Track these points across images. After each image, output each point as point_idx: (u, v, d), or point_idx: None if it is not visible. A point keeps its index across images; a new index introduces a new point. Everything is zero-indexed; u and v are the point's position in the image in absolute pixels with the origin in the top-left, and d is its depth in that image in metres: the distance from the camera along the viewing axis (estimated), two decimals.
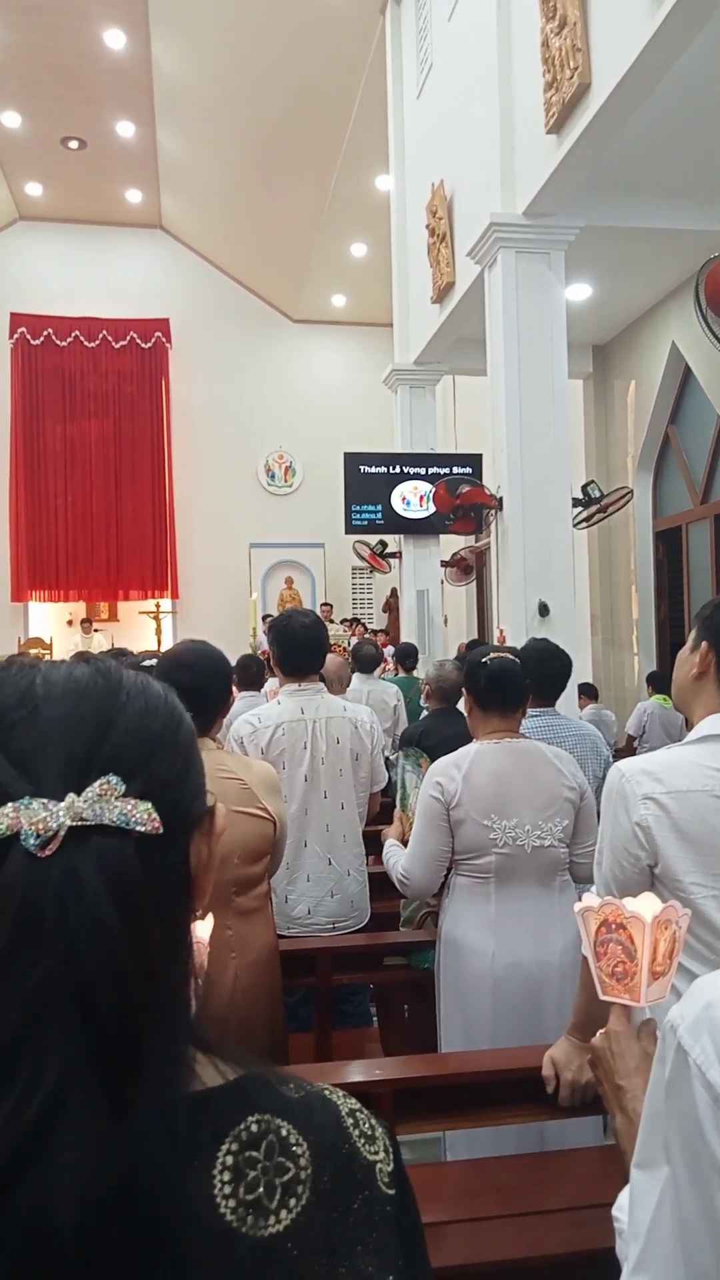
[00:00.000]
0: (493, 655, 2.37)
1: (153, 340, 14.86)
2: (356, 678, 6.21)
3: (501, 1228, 1.63)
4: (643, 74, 4.49)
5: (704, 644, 1.58)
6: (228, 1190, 0.54)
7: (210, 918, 1.00)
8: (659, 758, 1.58)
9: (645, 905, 1.13)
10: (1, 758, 0.54)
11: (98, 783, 0.53)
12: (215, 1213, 0.53)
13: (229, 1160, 0.55)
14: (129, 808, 0.53)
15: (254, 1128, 0.56)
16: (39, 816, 0.51)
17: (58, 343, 14.61)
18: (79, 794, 0.53)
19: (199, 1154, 0.54)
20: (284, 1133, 0.57)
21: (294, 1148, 0.56)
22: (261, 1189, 0.54)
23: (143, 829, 0.53)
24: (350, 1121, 0.60)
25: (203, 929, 1.11)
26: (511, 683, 2.36)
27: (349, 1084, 1.76)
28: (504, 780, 2.31)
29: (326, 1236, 0.55)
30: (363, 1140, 0.60)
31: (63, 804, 0.52)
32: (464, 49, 7.00)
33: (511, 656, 2.38)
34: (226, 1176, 0.54)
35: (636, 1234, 0.76)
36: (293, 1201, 0.55)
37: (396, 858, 2.51)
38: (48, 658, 0.64)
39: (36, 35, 10.46)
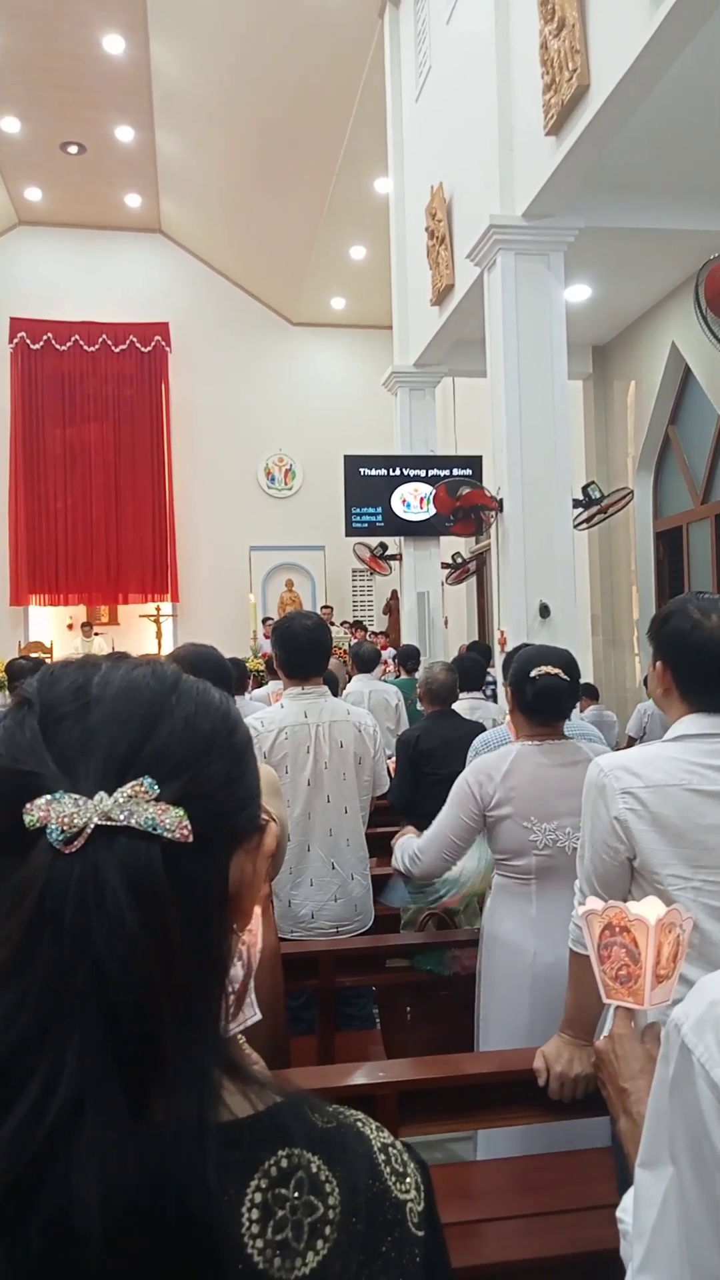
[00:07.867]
0: (542, 671, 2.32)
1: (152, 344, 14.87)
2: (357, 679, 6.20)
3: (510, 1229, 1.63)
4: (641, 75, 4.49)
5: (659, 664, 1.64)
6: (256, 1230, 0.52)
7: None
8: (636, 754, 1.62)
9: (649, 909, 1.13)
10: (45, 752, 0.54)
11: (130, 784, 0.52)
12: (243, 1253, 0.51)
13: (258, 1197, 0.53)
14: (159, 812, 0.52)
15: (284, 1163, 0.54)
16: (67, 812, 0.51)
17: (57, 347, 14.63)
18: (111, 794, 0.52)
19: (228, 1189, 0.52)
20: (314, 1169, 0.55)
21: (325, 1185, 0.54)
22: (289, 1229, 0.52)
23: (170, 835, 0.52)
24: (382, 1157, 0.58)
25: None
26: (558, 699, 2.35)
27: (353, 1086, 1.75)
28: (545, 782, 2.31)
29: None
30: (394, 1178, 0.58)
31: (93, 802, 0.51)
32: (463, 51, 7.01)
33: (559, 672, 2.33)
34: (255, 1215, 0.52)
35: (641, 1234, 0.75)
36: (319, 1243, 0.53)
37: (410, 840, 2.54)
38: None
39: (35, 40, 10.47)
